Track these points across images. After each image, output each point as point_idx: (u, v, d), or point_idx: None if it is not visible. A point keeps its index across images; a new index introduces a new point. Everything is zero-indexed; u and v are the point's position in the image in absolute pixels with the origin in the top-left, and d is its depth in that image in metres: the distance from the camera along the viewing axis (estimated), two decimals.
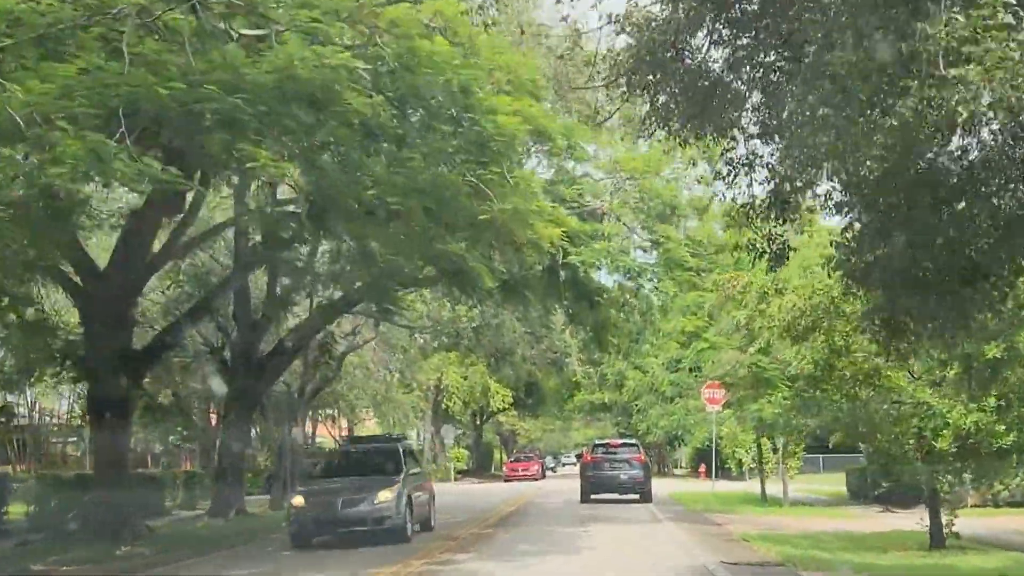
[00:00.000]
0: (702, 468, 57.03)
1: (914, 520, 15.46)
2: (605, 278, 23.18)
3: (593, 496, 29.55)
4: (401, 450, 18.73)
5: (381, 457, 18.32)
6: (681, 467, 76.06)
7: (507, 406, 57.12)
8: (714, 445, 39.53)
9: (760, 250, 8.99)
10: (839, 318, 13.48)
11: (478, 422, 73.49)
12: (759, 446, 34.53)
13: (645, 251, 19.34)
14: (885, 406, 14.55)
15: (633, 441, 35.48)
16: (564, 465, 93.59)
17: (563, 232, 16.70)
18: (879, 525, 19.26)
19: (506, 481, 52.90)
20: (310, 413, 53.83)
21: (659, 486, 33.74)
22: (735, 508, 25.53)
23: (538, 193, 16.27)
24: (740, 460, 54.37)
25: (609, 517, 22.10)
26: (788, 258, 9.00)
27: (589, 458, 30.74)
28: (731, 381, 23.68)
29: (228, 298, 24.72)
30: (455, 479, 58.80)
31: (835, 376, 14.16)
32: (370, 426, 69.80)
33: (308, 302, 26.00)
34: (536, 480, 53.36)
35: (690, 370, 58.04)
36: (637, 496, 29.46)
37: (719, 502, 29.26)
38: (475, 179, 12.79)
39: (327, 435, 59.26)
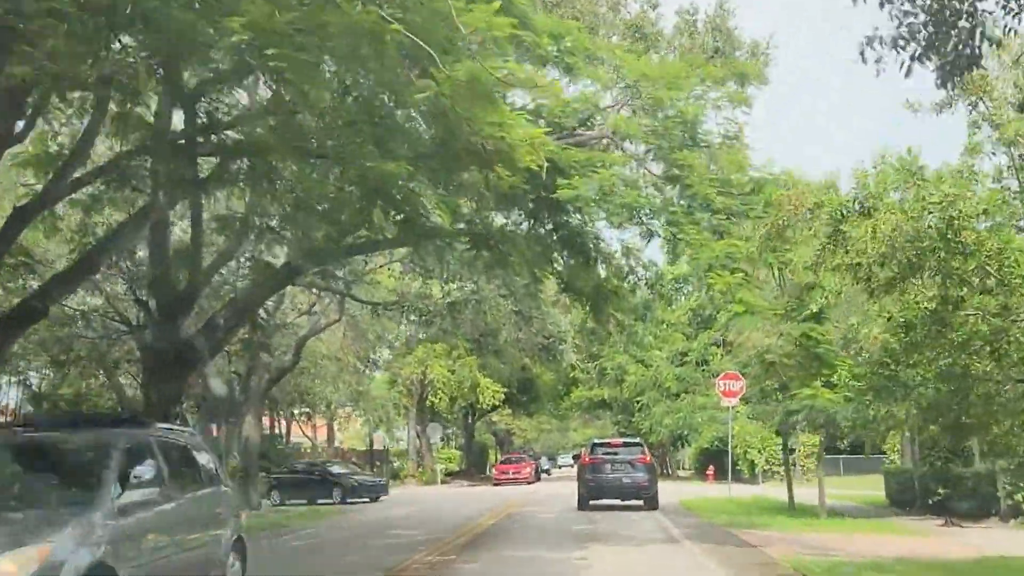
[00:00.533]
0: (710, 470, 52.43)
1: (992, 536, 10.92)
2: (607, 236, 18.56)
3: (592, 502, 26.06)
4: (121, 449, 8.49)
5: (72, 462, 8.75)
6: (684, 468, 71.40)
7: (498, 403, 52.43)
8: (730, 445, 34.90)
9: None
10: (956, 255, 8.95)
11: (469, 420, 68.94)
12: (785, 445, 29.98)
13: (659, 190, 14.71)
14: (1007, 386, 9.98)
15: (637, 440, 31.10)
16: (561, 467, 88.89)
17: (548, 155, 12.22)
18: (959, 546, 14.77)
19: (495, 485, 48.27)
20: (276, 410, 49.58)
21: (665, 490, 29.17)
22: (763, 520, 20.94)
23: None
24: (752, 461, 49.97)
25: (611, 534, 17.54)
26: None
27: (587, 459, 26.98)
28: (771, 360, 19.01)
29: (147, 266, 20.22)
30: (442, 482, 54.19)
31: (944, 342, 9.66)
32: (355, 428, 65.36)
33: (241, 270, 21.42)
34: (529, 484, 48.77)
35: (697, 364, 53.53)
36: (641, 502, 26.02)
37: (740, 511, 24.71)
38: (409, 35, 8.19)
39: (307, 436, 54.70)
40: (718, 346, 55.42)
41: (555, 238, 14.93)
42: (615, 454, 26.73)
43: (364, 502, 32.81)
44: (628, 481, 25.75)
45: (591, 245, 15.44)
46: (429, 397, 50.24)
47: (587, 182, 12.96)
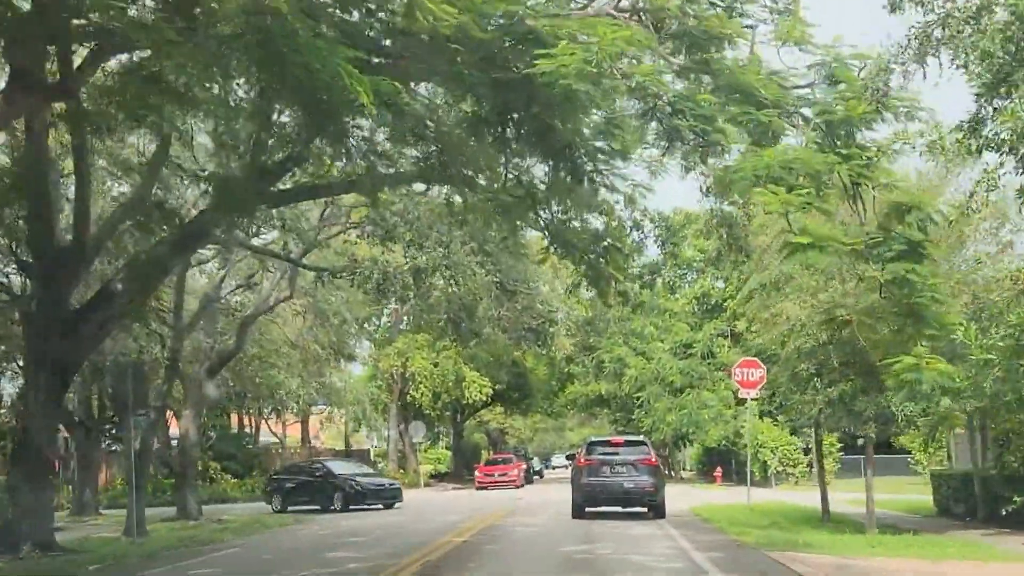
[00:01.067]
0: (718, 472, 48.13)
1: None
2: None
3: (589, 509, 22.41)
4: None
5: None
6: (686, 470, 66.97)
7: (486, 399, 48.09)
8: (749, 443, 30.66)
9: None
10: None
11: (458, 418, 64.60)
12: (818, 443, 25.82)
13: (684, 76, 10.37)
14: None
15: (640, 438, 26.90)
16: (555, 468, 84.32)
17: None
18: None
19: (478, 489, 43.61)
20: (244, 407, 45.29)
21: (671, 495, 24.94)
22: (804, 536, 16.60)
23: None
24: (765, 463, 45.70)
25: (614, 561, 13.23)
26: None
27: (583, 461, 23.06)
28: (843, 319, 14.66)
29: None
30: (426, 484, 49.90)
31: None
32: (340, 427, 61.02)
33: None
34: (517, 488, 43.86)
35: (703, 356, 49.30)
36: (645, 509, 22.60)
37: (768, 523, 20.46)
38: None
39: (276, 434, 50.26)
40: (725, 337, 51.26)
41: (523, 132, 10.62)
42: (615, 454, 22.85)
43: (375, 509, 28.29)
44: (630, 486, 22.03)
45: (578, 153, 11.08)
46: (410, 392, 45.89)
47: (576, 49, 8.64)
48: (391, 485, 30.09)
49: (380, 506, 28.50)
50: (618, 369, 49.43)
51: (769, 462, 43.68)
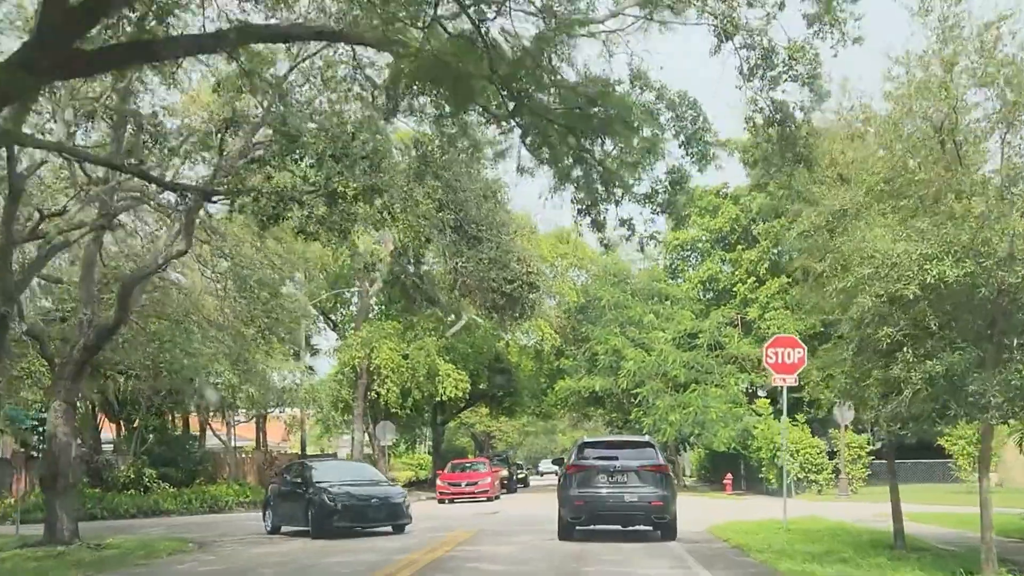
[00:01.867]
0: (727, 479, 42.32)
1: None
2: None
3: (580, 527, 17.85)
4: None
5: None
6: (688, 476, 61.13)
7: (464, 396, 42.15)
8: (784, 445, 25.01)
9: None
10: None
11: (437, 419, 58.71)
12: (892, 443, 20.02)
13: None
14: None
15: (645, 438, 21.13)
16: (543, 474, 78.01)
17: None
18: None
19: (440, 502, 35.99)
20: (181, 405, 39.43)
21: (679, 508, 18.86)
22: None
23: None
24: (782, 468, 39.80)
25: None
26: None
27: (573, 467, 17.96)
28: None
29: None
30: None
31: None
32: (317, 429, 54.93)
33: None
34: (490, 500, 36.05)
35: (709, 348, 43.60)
36: (650, 528, 17.88)
37: (820, 548, 14.73)
38: None
39: (219, 436, 44.23)
40: (735, 326, 45.58)
41: None
42: (613, 459, 17.64)
43: (374, 532, 20.21)
44: (633, 499, 17.10)
45: None
46: (375, 387, 39.98)
47: None
48: (391, 499, 20.32)
49: (383, 528, 20.31)
50: (614, 362, 43.66)
51: (789, 467, 37.85)
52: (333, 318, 46.43)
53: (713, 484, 55.15)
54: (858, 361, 14.98)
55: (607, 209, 11.94)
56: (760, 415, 41.32)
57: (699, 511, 27.04)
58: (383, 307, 45.62)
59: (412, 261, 14.47)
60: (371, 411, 43.09)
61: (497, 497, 37.08)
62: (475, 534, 19.29)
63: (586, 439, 20.07)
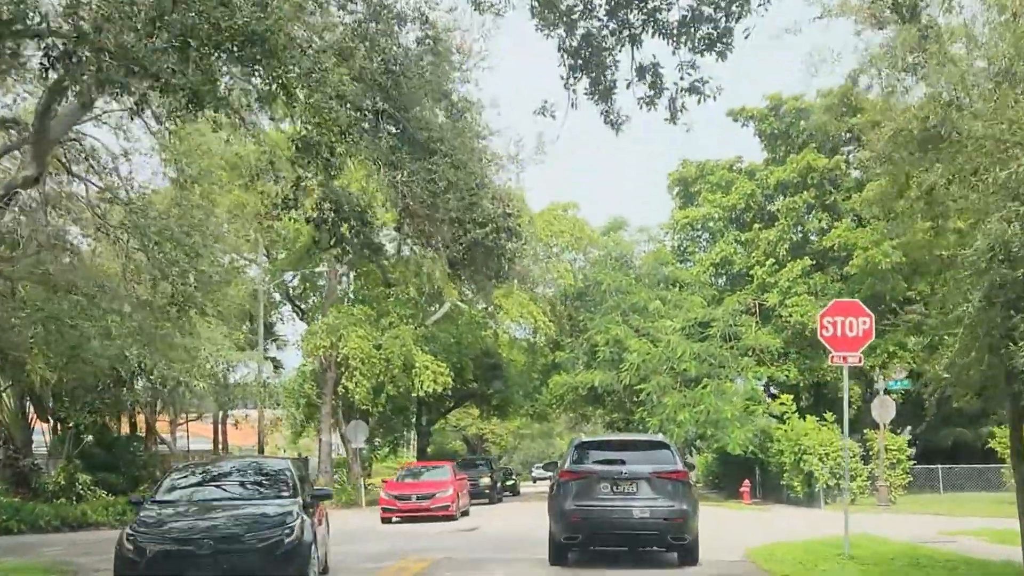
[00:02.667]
0: (745, 487, 37.27)
1: None
2: None
3: (577, 548, 14.32)
4: None
5: None
6: (695, 482, 56.21)
7: (445, 391, 37.00)
8: (844, 445, 19.92)
9: None
10: None
11: (422, 420, 53.70)
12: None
13: None
14: None
15: (659, 438, 17.08)
16: (536, 480, 72.25)
17: None
18: None
19: (386, 521, 26.99)
20: (126, 404, 34.44)
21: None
22: None
23: None
24: (811, 474, 34.85)
25: None
26: None
27: (569, 473, 14.40)
28: None
29: None
30: (367, 502, 39.08)
31: None
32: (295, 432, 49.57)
33: None
34: (451, 518, 26.92)
35: (724, 339, 38.60)
36: (664, 549, 14.38)
37: None
38: None
39: (162, 438, 39.11)
40: (752, 313, 40.58)
41: None
42: (619, 463, 14.18)
43: None
44: (644, 514, 13.57)
45: None
46: (343, 382, 34.94)
47: None
48: (250, 535, 11.18)
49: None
50: (615, 355, 38.60)
51: (817, 473, 32.87)
52: (302, 306, 41.42)
53: (724, 491, 49.98)
54: (986, 317, 9.94)
55: (618, 53, 6.88)
56: (777, 416, 36.33)
57: (720, 526, 22.12)
58: (355, 291, 40.66)
59: (321, 165, 10.09)
60: (344, 410, 38.07)
61: (466, 513, 29.19)
62: (429, 566, 14.20)
63: (584, 438, 16.43)
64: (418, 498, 27.23)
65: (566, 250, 39.65)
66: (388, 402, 36.52)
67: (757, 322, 39.08)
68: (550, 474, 69.01)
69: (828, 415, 34.21)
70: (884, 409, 30.86)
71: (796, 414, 34.42)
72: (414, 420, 54.14)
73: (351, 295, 39.99)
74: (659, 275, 41.05)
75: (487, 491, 36.54)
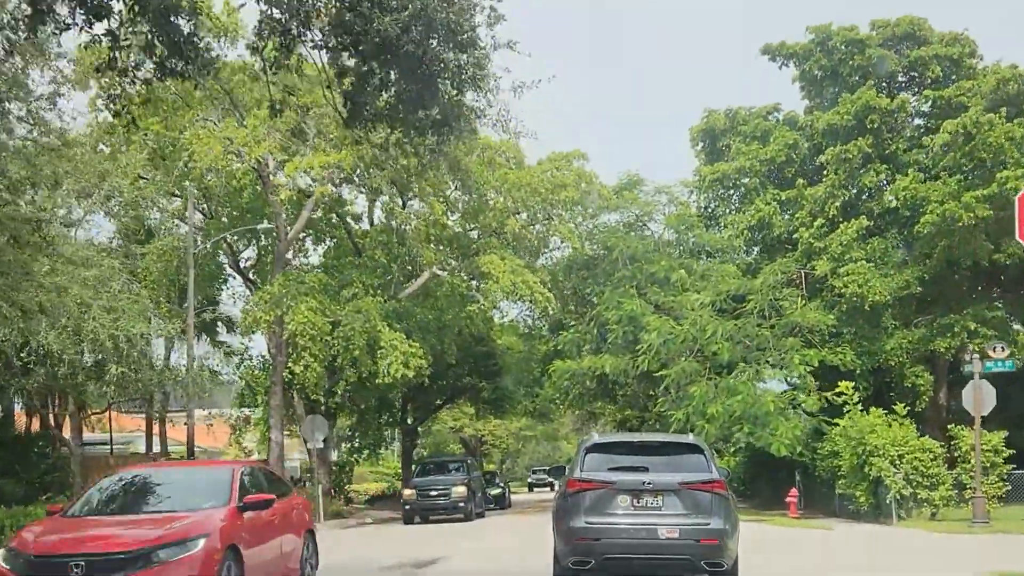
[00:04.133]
0: (792, 495, 30.22)
1: None
2: None
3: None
4: None
5: None
6: None
7: (419, 377, 29.82)
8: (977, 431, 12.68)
9: None
10: None
11: (407, 419, 46.84)
12: None
13: None
14: None
15: (689, 439, 13.32)
16: (533, 488, 64.75)
17: None
18: None
19: None
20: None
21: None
22: None
23: None
24: (880, 480, 27.47)
25: None
26: None
27: (579, 482, 11.60)
28: None
29: None
30: (345, 514, 32.29)
31: None
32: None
33: None
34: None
35: (763, 315, 31.59)
36: None
37: None
38: None
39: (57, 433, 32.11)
40: (797, 285, 33.61)
41: None
42: (642, 470, 11.53)
43: None
44: (673, 534, 11.14)
45: None
46: (289, 364, 28.00)
47: None
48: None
49: None
50: (631, 334, 31.55)
51: (888, 480, 25.75)
52: (255, 280, 34.46)
53: (755, 500, 42.90)
54: None
55: None
56: (825, 411, 29.30)
57: (781, 550, 15.17)
58: (325, 263, 33.81)
59: None
60: (307, 405, 31.13)
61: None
62: None
63: (598, 438, 13.08)
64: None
65: (570, 210, 32.52)
66: (346, 390, 29.53)
67: (803, 295, 31.99)
68: (552, 480, 60.67)
69: (898, 407, 27.14)
70: (981, 398, 23.72)
71: (858, 406, 27.31)
72: (399, 418, 47.28)
73: (314, 265, 33.18)
74: (684, 240, 34.00)
75: (460, 504, 29.08)
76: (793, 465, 35.01)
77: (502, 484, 43.53)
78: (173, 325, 25.16)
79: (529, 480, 67.97)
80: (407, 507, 29.70)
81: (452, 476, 30.45)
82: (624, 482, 11.39)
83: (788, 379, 29.55)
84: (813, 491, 32.03)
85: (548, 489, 58.50)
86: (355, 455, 48.54)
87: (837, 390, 28.92)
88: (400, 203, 30.55)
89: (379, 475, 62.16)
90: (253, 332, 28.05)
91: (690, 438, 13.57)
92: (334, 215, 31.90)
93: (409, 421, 47.98)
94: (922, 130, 34.20)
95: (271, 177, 27.30)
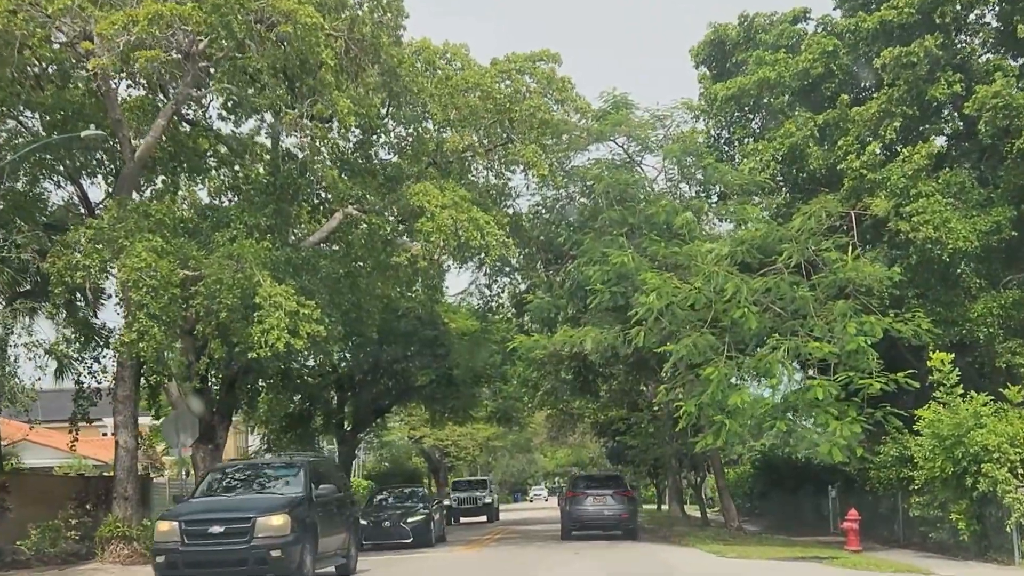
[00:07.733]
0: (851, 520, 21.47)
1: None
2: None
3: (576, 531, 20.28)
4: None
5: None
6: (709, 504, 39.90)
7: (321, 350, 20.81)
8: None
9: None
10: None
11: (343, 424, 38.00)
12: None
13: None
14: None
15: (615, 474, 13.80)
16: (532, 500, 55.67)
17: None
18: None
19: None
20: None
21: None
22: None
23: None
24: (989, 497, 18.20)
25: None
26: None
27: (571, 493, 21.92)
28: None
29: None
30: None
31: None
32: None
33: None
34: None
35: (798, 271, 22.99)
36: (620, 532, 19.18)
37: None
38: None
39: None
40: (845, 232, 25.08)
41: None
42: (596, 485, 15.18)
43: None
44: (610, 513, 26.79)
45: None
46: (117, 331, 19.08)
47: None
48: None
49: None
50: (619, 296, 22.82)
51: (1010, 499, 17.08)
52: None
53: (769, 521, 34.29)
54: None
55: None
56: (900, 395, 20.74)
57: None
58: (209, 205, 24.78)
59: None
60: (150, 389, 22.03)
61: None
62: None
63: (580, 474, 34.61)
64: None
65: (539, 129, 23.62)
66: (208, 368, 20.63)
67: (855, 245, 23.33)
68: (543, 494, 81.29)
69: (1011, 391, 18.55)
70: None
71: (959, 389, 18.72)
72: (334, 425, 38.38)
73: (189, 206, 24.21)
74: (690, 174, 25.31)
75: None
76: (823, 475, 26.80)
77: (444, 505, 34.34)
78: None
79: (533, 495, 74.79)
80: None
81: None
82: (589, 491, 26.98)
83: (841, 356, 20.74)
84: (861, 511, 23.34)
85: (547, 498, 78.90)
86: None
87: (910, 371, 20.27)
88: (298, 113, 21.63)
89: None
90: (68, 286, 19.02)
91: (617, 472, 31.43)
92: (201, 129, 22.96)
93: (346, 426, 39.10)
94: (1000, 32, 25.91)
95: (92, 51, 18.40)
